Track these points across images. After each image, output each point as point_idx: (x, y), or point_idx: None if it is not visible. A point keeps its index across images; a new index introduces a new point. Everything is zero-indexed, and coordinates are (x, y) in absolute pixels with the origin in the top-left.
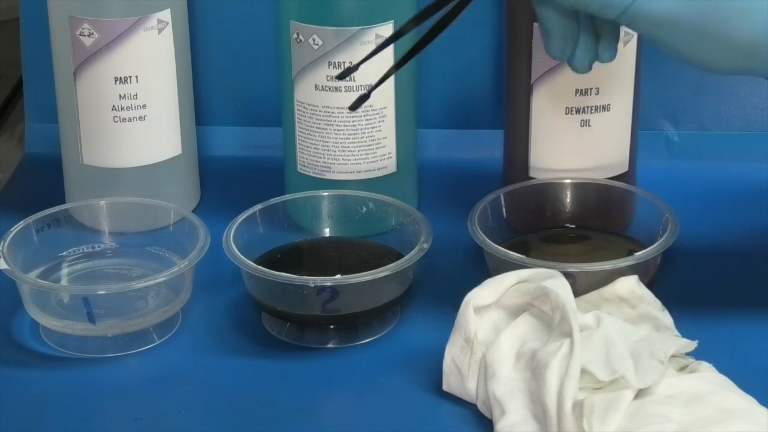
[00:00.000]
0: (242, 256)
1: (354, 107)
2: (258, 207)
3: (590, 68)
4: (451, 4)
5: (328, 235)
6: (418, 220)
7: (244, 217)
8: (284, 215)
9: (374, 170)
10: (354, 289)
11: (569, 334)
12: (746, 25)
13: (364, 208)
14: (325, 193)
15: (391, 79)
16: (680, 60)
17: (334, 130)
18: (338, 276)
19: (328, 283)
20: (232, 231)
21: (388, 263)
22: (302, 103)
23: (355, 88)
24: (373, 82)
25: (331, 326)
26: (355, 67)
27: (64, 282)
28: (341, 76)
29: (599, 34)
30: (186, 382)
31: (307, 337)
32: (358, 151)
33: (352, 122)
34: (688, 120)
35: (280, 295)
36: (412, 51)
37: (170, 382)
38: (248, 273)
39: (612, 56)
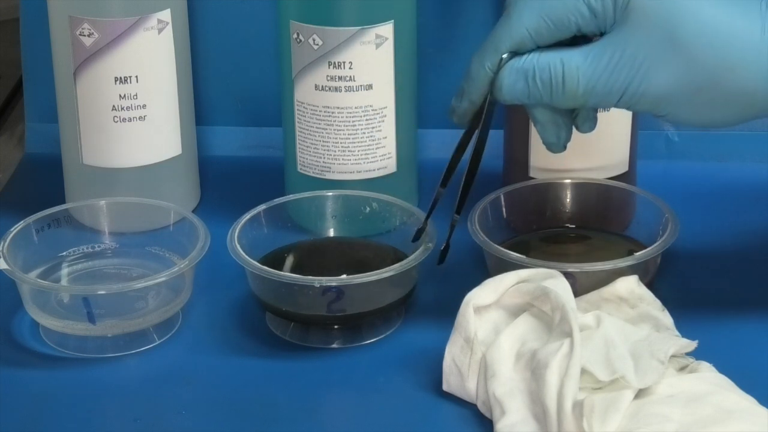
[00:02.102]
0: (247, 257)
1: (441, 261)
2: (262, 207)
3: (565, 148)
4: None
5: (331, 235)
6: (421, 220)
7: (248, 217)
8: (287, 215)
9: (374, 170)
10: (359, 290)
11: (569, 334)
12: (739, 82)
13: (368, 208)
14: (329, 194)
15: (391, 79)
16: (684, 125)
17: (334, 130)
18: (344, 276)
19: (334, 284)
20: (237, 231)
21: (392, 263)
22: (302, 103)
23: (355, 88)
24: (373, 82)
25: (336, 326)
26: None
27: (64, 282)
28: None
29: (576, 108)
30: (186, 382)
31: (311, 337)
32: (358, 151)
33: (352, 122)
34: None
35: (285, 296)
36: (468, 182)
37: (170, 382)
38: (253, 273)
39: (592, 128)
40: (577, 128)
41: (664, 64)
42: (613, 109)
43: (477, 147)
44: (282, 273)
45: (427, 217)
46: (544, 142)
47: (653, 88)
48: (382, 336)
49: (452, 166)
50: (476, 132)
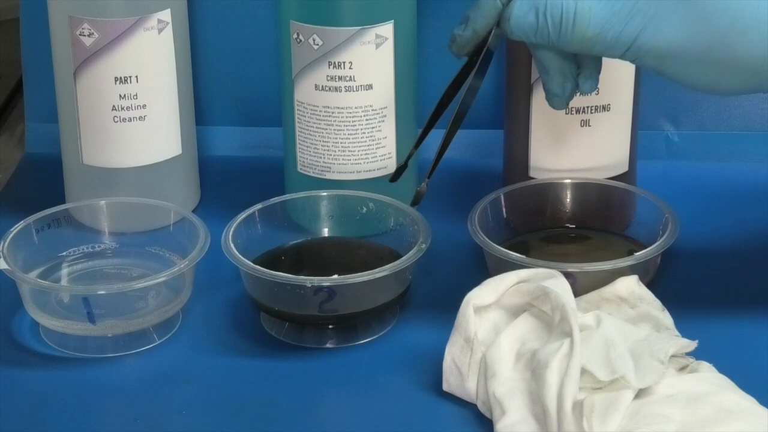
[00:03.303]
0: (240, 256)
1: (393, 179)
2: (257, 207)
3: (567, 105)
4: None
5: (327, 235)
6: (417, 221)
7: (243, 217)
8: (283, 215)
9: (374, 170)
10: (351, 290)
11: (569, 334)
12: (749, 46)
13: (364, 209)
14: (325, 193)
15: (391, 79)
16: (686, 87)
17: (334, 130)
18: (335, 276)
19: (325, 283)
20: (231, 231)
21: (387, 264)
22: (302, 103)
23: (355, 88)
24: (373, 82)
25: (330, 326)
26: (405, 165)
27: (64, 282)
28: (395, 179)
29: (580, 65)
30: (186, 382)
31: (305, 337)
32: (358, 151)
33: (352, 122)
34: (688, 120)
35: (277, 295)
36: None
37: (170, 382)
38: (246, 273)
39: (593, 88)
40: (578, 87)
41: (677, 19)
42: (613, 110)
43: (466, 95)
44: (274, 273)
45: (408, 157)
46: (548, 94)
47: (662, 41)
48: (377, 336)
49: (439, 111)
50: (471, 75)
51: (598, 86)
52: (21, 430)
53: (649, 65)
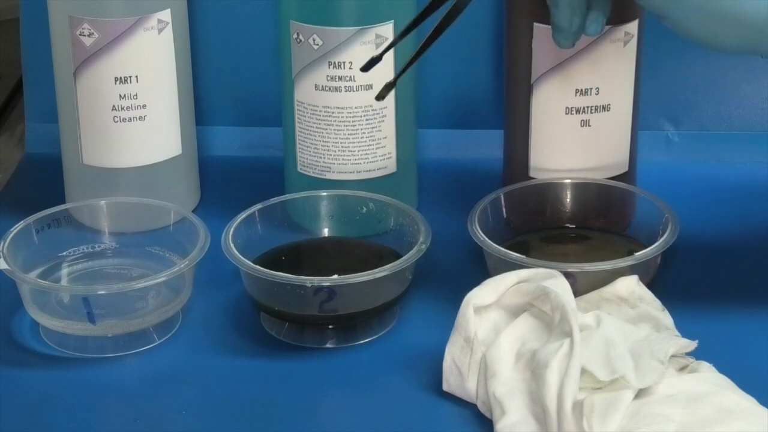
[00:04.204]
0: (240, 256)
1: (366, 69)
2: (257, 207)
3: (573, 44)
4: None
5: (327, 235)
6: (418, 221)
7: (243, 216)
8: (283, 215)
9: (374, 170)
10: (351, 290)
11: (569, 334)
12: (752, 2)
13: (364, 209)
14: (325, 193)
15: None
16: (687, 38)
17: (334, 130)
18: (335, 276)
19: (326, 283)
20: (231, 231)
21: (387, 263)
22: (302, 103)
23: (355, 88)
24: (373, 82)
25: (330, 326)
26: (379, 57)
27: (64, 282)
28: (365, 69)
29: (590, 6)
30: (186, 382)
31: (305, 337)
32: (358, 151)
33: (352, 122)
34: (688, 120)
35: (277, 295)
36: (430, 39)
37: (170, 382)
38: (246, 273)
39: (598, 30)
40: (584, 29)
41: None
42: (613, 110)
43: (454, 7)
44: (274, 272)
45: (386, 49)
46: (555, 29)
47: None
48: (377, 336)
49: (420, 19)
50: None
51: (599, 86)
52: (21, 430)
53: (653, 6)
